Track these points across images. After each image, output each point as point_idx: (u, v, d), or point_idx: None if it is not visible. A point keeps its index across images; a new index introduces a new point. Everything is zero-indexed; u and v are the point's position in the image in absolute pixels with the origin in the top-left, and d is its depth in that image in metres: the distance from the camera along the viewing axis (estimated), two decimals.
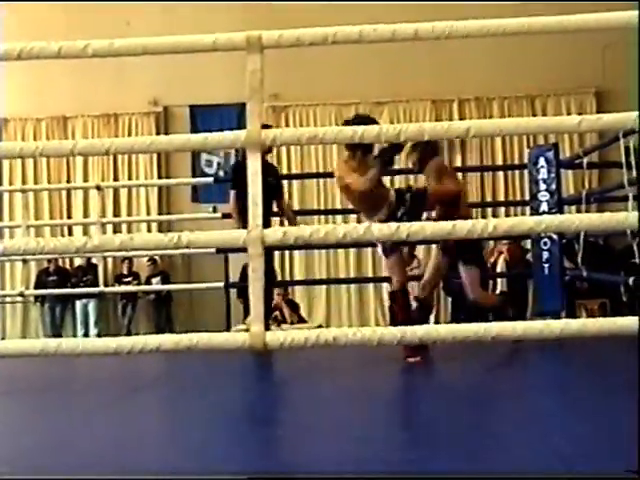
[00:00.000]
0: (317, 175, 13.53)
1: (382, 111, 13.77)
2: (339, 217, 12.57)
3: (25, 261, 10.21)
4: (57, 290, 12.64)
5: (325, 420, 4.54)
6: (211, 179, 12.46)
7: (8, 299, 13.84)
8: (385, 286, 12.83)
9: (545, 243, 8.60)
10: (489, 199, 13.46)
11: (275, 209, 8.33)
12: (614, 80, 12.52)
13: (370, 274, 13.32)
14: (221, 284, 10.41)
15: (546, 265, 8.68)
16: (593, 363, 6.23)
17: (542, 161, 8.70)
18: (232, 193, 8.01)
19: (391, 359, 6.29)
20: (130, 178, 14.19)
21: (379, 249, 6.63)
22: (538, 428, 4.01)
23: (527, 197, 9.32)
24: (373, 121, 6.30)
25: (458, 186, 6.98)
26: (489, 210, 12.95)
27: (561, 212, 8.54)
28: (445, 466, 3.25)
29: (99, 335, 13.17)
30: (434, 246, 7.41)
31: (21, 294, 10.79)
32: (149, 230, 13.58)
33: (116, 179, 14.15)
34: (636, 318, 3.02)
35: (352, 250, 13.32)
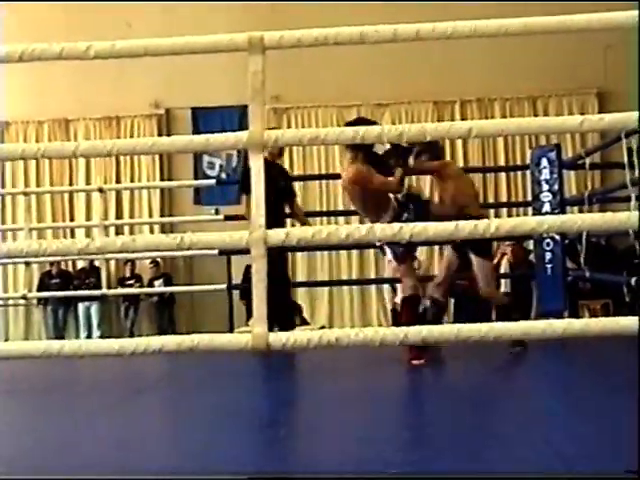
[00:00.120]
0: (319, 177, 13.53)
1: (384, 113, 13.79)
2: (341, 218, 12.55)
3: (28, 264, 10.21)
4: (60, 292, 12.64)
5: (326, 421, 4.55)
6: (213, 181, 12.46)
7: (11, 302, 13.84)
8: (386, 287, 12.86)
9: (548, 244, 8.59)
10: (491, 200, 13.45)
11: (287, 211, 8.33)
12: (616, 81, 12.51)
13: (372, 275, 13.32)
14: (224, 286, 10.40)
15: (549, 266, 8.67)
16: (593, 363, 6.24)
17: (544, 162, 8.69)
18: (244, 197, 7.98)
19: (393, 360, 6.29)
20: (132, 180, 14.20)
21: (389, 255, 6.58)
22: (539, 428, 4.01)
23: (529, 198, 9.32)
24: (374, 124, 6.30)
25: (473, 188, 7.05)
26: (491, 211, 12.92)
27: (563, 213, 8.53)
28: (447, 466, 3.25)
29: (102, 337, 13.16)
30: (447, 246, 7.40)
31: (24, 297, 10.78)
32: (152, 232, 13.56)
33: (118, 181, 14.15)
34: (636, 318, 3.02)
35: (354, 252, 13.32)
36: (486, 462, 3.33)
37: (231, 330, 10.55)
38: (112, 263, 13.33)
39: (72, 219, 14.12)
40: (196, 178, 13.90)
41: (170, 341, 3.15)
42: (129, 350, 3.13)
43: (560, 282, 8.62)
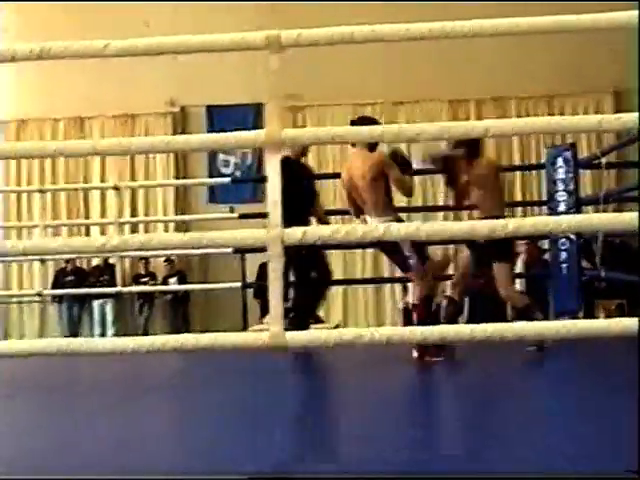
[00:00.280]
0: (334, 176, 13.51)
1: (399, 111, 13.78)
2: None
3: (43, 261, 10.23)
4: (75, 290, 12.68)
5: (326, 420, 4.58)
6: (228, 179, 12.47)
7: (26, 299, 13.90)
8: (398, 286, 12.87)
9: (563, 243, 8.57)
10: (506, 199, 13.39)
11: None
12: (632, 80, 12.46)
13: (387, 274, 13.30)
14: (238, 284, 10.41)
15: (564, 265, 8.65)
16: (593, 363, 6.25)
17: (560, 161, 8.67)
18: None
19: (399, 358, 6.30)
20: (147, 178, 14.22)
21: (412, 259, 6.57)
22: (539, 428, 4.02)
23: (544, 197, 9.30)
24: (377, 123, 6.44)
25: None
26: (506, 210, 12.90)
27: (579, 212, 8.51)
28: (447, 466, 3.25)
29: (116, 335, 13.21)
30: (463, 246, 7.39)
31: (39, 294, 10.82)
32: (166, 230, 13.60)
33: (133, 179, 14.17)
34: (636, 319, 3.01)
35: (369, 250, 13.30)
36: (486, 462, 3.33)
37: (245, 328, 10.57)
38: (126, 260, 13.36)
39: (87, 216, 14.16)
40: (211, 176, 13.91)
41: (188, 339, 3.16)
42: (146, 348, 3.13)
43: (575, 282, 8.60)
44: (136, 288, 12.90)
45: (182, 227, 13.26)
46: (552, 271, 8.91)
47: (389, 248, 6.45)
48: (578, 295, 8.63)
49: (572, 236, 8.44)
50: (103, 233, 13.17)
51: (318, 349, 6.35)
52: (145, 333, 13.29)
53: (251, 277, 11.44)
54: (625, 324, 3.06)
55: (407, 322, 6.69)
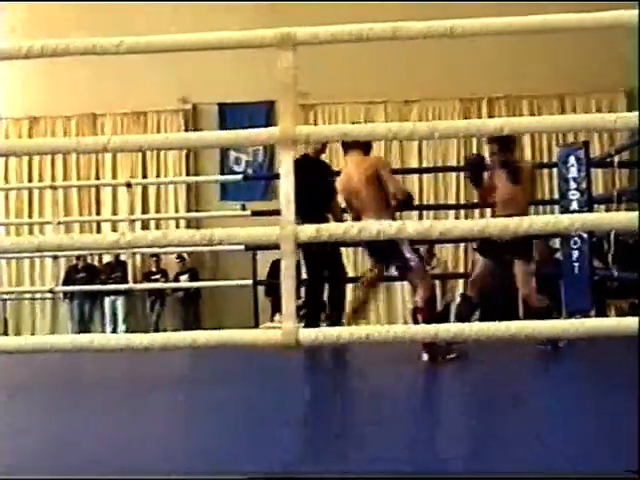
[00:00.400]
0: None
1: (411, 110, 13.78)
2: None
3: (55, 257, 10.25)
4: (87, 287, 12.71)
5: (325, 419, 4.58)
6: (240, 177, 12.48)
7: (38, 295, 13.94)
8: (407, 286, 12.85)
9: (575, 242, 8.55)
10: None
11: None
12: None
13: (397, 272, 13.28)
14: (249, 282, 10.41)
15: (576, 264, 8.63)
16: (593, 363, 6.26)
17: (572, 160, 8.65)
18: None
19: (410, 357, 6.30)
20: (159, 175, 14.24)
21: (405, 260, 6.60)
22: (539, 428, 4.01)
23: (556, 196, 9.28)
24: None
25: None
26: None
27: (591, 211, 8.48)
28: (447, 466, 3.24)
29: (127, 332, 13.23)
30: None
31: (51, 290, 10.85)
32: (177, 227, 13.60)
33: (145, 176, 14.20)
34: (636, 319, 3.01)
35: None
36: (486, 462, 3.32)
37: (256, 326, 10.57)
38: (138, 257, 13.38)
39: (98, 213, 14.19)
40: (222, 174, 13.93)
41: (201, 336, 3.16)
42: (160, 345, 3.14)
43: (587, 281, 8.57)
44: (149, 285, 12.93)
45: (193, 224, 13.26)
46: (564, 270, 8.89)
47: (389, 252, 6.42)
48: (590, 294, 8.61)
49: (584, 235, 8.41)
50: (114, 230, 13.22)
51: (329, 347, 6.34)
52: (156, 330, 13.28)
53: (262, 275, 11.44)
54: (627, 323, 3.06)
55: (417, 322, 6.68)
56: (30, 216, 14.14)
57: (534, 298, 7.00)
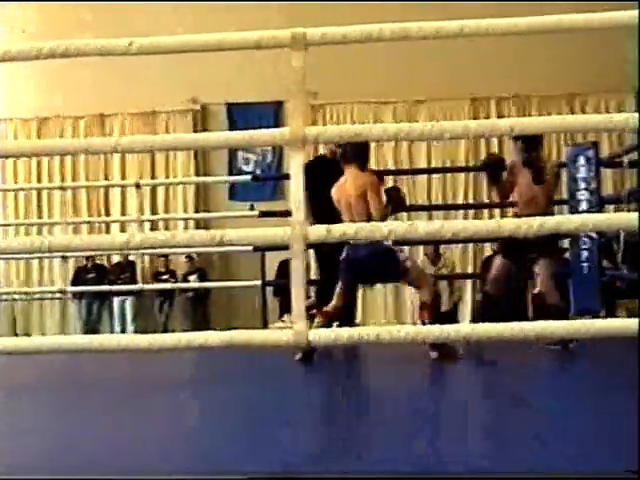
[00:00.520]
0: None
1: (420, 110, 13.77)
2: None
3: (64, 257, 10.26)
4: (97, 287, 12.73)
5: (324, 419, 4.59)
6: (249, 177, 12.48)
7: (47, 295, 13.96)
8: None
9: (584, 242, 8.53)
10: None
11: None
12: None
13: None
14: (258, 282, 10.41)
15: (585, 264, 8.61)
16: (593, 363, 6.27)
17: (582, 160, 8.62)
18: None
19: (418, 357, 6.31)
20: (167, 176, 14.26)
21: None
22: (539, 428, 4.01)
23: (565, 196, 9.26)
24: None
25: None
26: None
27: (601, 211, 8.47)
28: (447, 466, 3.24)
29: (136, 332, 13.24)
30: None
31: (61, 291, 10.86)
32: (186, 228, 13.62)
33: (153, 177, 14.21)
34: (636, 320, 3.01)
35: None
36: (486, 462, 3.32)
37: (264, 326, 10.57)
38: (147, 258, 13.40)
39: (107, 214, 14.21)
40: (231, 174, 13.94)
41: (212, 337, 3.16)
42: (169, 345, 3.14)
43: (596, 281, 8.55)
44: (158, 286, 12.93)
45: (202, 225, 13.27)
46: (573, 270, 8.87)
47: (382, 258, 6.42)
48: (599, 295, 8.59)
49: (593, 235, 8.39)
50: (123, 231, 13.24)
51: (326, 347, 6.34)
52: (165, 331, 13.30)
53: (270, 275, 11.43)
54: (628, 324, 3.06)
55: (424, 318, 6.69)
56: (39, 217, 14.16)
57: (555, 296, 7.03)
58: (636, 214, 3.23)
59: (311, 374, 6.39)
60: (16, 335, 13.69)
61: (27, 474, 3.35)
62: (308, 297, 9.86)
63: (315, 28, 3.28)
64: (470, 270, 13.73)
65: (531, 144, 6.78)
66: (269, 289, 11.62)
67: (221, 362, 6.25)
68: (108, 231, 13.59)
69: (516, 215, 7.11)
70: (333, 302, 6.65)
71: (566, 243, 9.77)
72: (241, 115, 13.85)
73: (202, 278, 13.42)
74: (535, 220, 3.03)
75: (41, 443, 4.01)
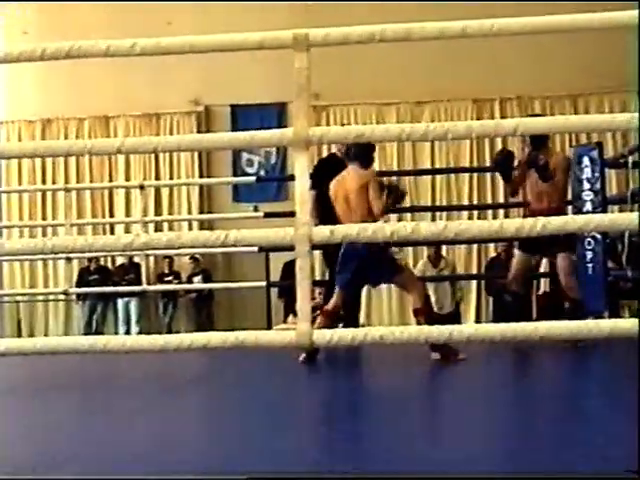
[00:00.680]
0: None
1: (423, 111, 13.78)
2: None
3: (69, 259, 10.28)
4: (101, 288, 12.74)
5: (324, 418, 4.59)
6: (253, 178, 12.50)
7: (51, 297, 13.98)
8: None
9: (589, 243, 8.52)
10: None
11: None
12: None
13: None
14: (263, 283, 10.42)
15: (589, 265, 8.59)
16: (593, 363, 6.31)
17: (586, 160, 8.61)
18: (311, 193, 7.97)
19: (422, 358, 6.31)
20: (172, 177, 14.28)
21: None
22: (538, 428, 4.01)
23: (569, 196, 9.25)
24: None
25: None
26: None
27: (605, 212, 8.45)
28: (445, 466, 3.24)
29: (140, 334, 13.25)
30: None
31: (65, 292, 10.87)
32: (190, 229, 13.63)
33: (158, 178, 14.23)
34: (636, 320, 3.00)
35: None
36: (486, 462, 3.31)
37: (269, 327, 10.57)
38: (151, 259, 13.41)
39: (112, 215, 14.23)
40: (235, 175, 13.95)
41: (215, 338, 3.16)
42: (173, 346, 3.14)
43: (601, 282, 8.53)
44: (163, 287, 12.94)
45: (206, 226, 13.29)
46: (578, 271, 8.85)
47: (378, 255, 6.44)
48: (604, 295, 8.57)
49: (598, 236, 8.38)
50: (128, 232, 13.23)
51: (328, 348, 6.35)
52: (169, 332, 13.32)
53: (275, 276, 11.44)
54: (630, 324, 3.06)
55: (420, 323, 6.72)
56: (44, 218, 14.18)
57: (575, 290, 7.11)
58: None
59: (312, 374, 6.38)
60: (20, 336, 13.70)
61: (27, 475, 3.36)
62: (313, 298, 9.87)
63: (319, 29, 3.28)
64: (474, 271, 13.73)
65: (537, 142, 6.87)
66: (273, 290, 11.63)
67: (222, 363, 6.27)
68: (112, 232, 13.60)
69: (529, 211, 7.21)
70: (333, 300, 6.68)
71: None
72: (245, 116, 13.87)
73: (206, 279, 13.43)
74: (538, 220, 3.03)
75: (41, 443, 4.01)
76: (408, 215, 12.25)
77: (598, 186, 8.52)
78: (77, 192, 13.89)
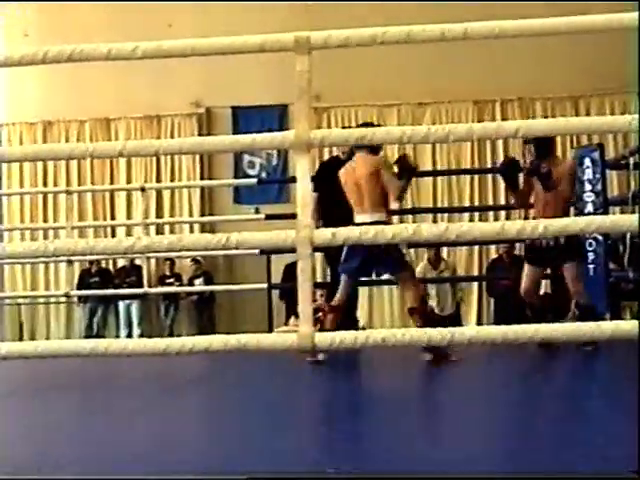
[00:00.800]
0: None
1: (424, 112, 13.77)
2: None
3: (70, 262, 10.28)
4: (102, 291, 12.73)
5: (323, 418, 4.60)
6: (254, 180, 12.49)
7: (52, 300, 13.97)
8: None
9: (590, 244, 8.53)
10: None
11: None
12: None
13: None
14: (264, 285, 10.41)
15: (591, 266, 8.60)
16: (593, 363, 6.30)
17: (587, 161, 8.62)
18: (314, 195, 7.98)
19: (417, 359, 6.31)
20: (173, 180, 14.27)
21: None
22: (538, 428, 4.01)
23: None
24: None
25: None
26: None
27: (607, 213, 8.46)
28: (445, 466, 3.24)
29: (142, 336, 13.24)
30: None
31: (66, 294, 10.87)
32: (192, 231, 13.62)
33: (159, 180, 14.22)
34: (636, 322, 3.00)
35: None
36: (486, 462, 3.32)
37: (270, 330, 10.57)
38: (152, 262, 13.40)
39: (113, 218, 14.22)
40: (236, 177, 13.95)
41: (217, 341, 3.16)
42: (175, 349, 3.14)
43: (602, 283, 8.54)
44: (164, 289, 12.93)
45: (207, 228, 13.29)
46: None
47: (387, 247, 6.45)
48: (606, 297, 8.57)
49: (599, 237, 8.39)
50: (129, 234, 13.22)
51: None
52: (171, 334, 13.32)
53: (276, 279, 11.44)
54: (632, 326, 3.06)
55: (415, 322, 6.73)
56: (45, 221, 14.18)
57: (584, 297, 7.10)
58: None
59: (312, 375, 6.38)
60: (22, 339, 13.70)
61: (27, 475, 3.36)
62: (314, 300, 9.85)
63: (321, 32, 3.28)
64: (476, 272, 13.72)
65: (542, 149, 6.82)
66: (275, 292, 11.62)
67: (222, 363, 6.26)
68: (114, 235, 13.58)
69: (535, 218, 7.17)
70: (338, 295, 6.68)
71: None
72: (246, 118, 13.86)
73: (208, 282, 13.42)
74: (540, 222, 3.04)
75: (42, 443, 4.02)
76: (410, 217, 12.26)
77: (599, 187, 8.53)
78: (78, 194, 13.87)
